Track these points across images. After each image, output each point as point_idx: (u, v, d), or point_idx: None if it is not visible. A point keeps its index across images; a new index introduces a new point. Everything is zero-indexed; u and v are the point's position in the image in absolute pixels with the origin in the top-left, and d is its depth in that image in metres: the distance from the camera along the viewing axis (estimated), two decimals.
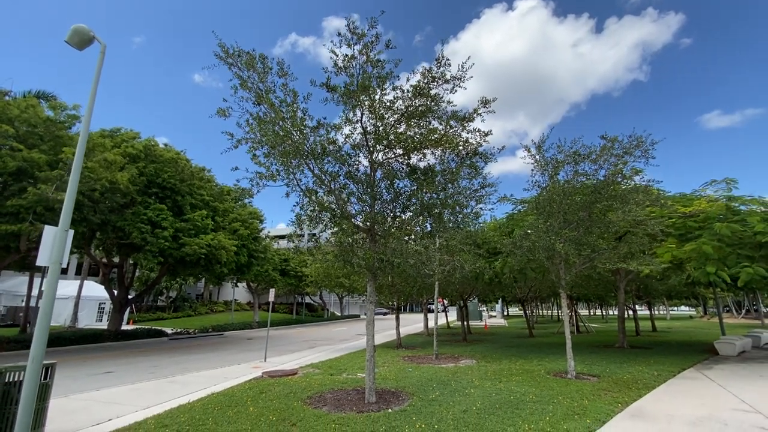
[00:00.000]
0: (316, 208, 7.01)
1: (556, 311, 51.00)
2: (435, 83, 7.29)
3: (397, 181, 7.59)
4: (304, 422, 5.71)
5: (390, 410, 6.34)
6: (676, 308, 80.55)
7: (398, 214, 7.47)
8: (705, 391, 7.79)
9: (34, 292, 21.22)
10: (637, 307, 33.95)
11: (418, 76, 7.28)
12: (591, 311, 66.60)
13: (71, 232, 4.78)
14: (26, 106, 13.70)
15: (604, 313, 57.82)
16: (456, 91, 7.44)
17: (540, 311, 60.21)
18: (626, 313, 29.10)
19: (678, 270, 12.75)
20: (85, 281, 26.72)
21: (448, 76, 7.27)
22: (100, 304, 29.03)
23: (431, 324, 22.27)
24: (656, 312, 65.72)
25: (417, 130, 7.23)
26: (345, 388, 8.10)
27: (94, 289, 28.43)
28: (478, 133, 7.37)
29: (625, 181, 9.67)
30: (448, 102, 7.49)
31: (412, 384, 8.47)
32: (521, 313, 37.36)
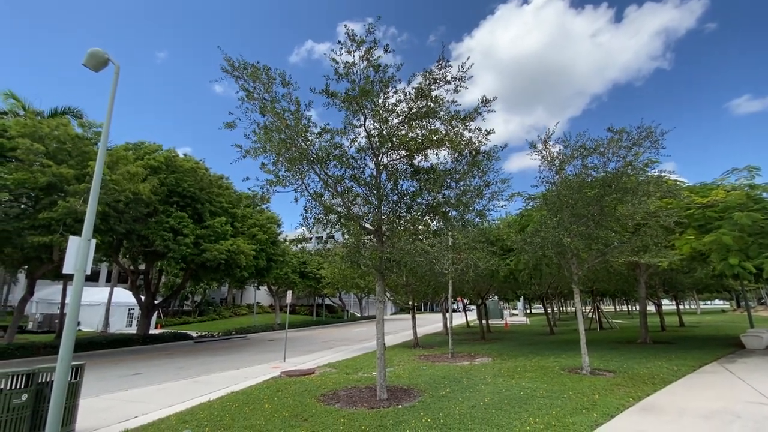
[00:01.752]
0: (322, 210, 7.24)
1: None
2: (436, 84, 7.41)
3: (402, 181, 7.74)
4: (315, 417, 5.94)
5: (400, 406, 6.49)
6: (709, 302, 77.45)
7: (403, 214, 7.62)
8: (723, 385, 7.61)
9: (68, 299, 22.34)
10: (664, 301, 32.88)
11: (419, 78, 7.44)
12: (617, 307, 64.76)
13: (93, 242, 5.14)
14: (57, 124, 14.55)
15: (629, 309, 56.14)
16: (459, 91, 7.53)
17: (564, 308, 59.02)
18: (654, 307, 28.34)
19: (703, 262, 12.39)
20: (115, 288, 27.94)
21: (449, 77, 7.38)
22: (129, 310, 30.27)
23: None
24: (687, 306, 63.44)
25: (419, 131, 7.36)
26: (359, 386, 8.30)
27: (124, 296, 29.68)
28: (480, 132, 7.45)
29: (636, 172, 9.51)
30: (452, 101, 7.59)
31: (424, 381, 8.59)
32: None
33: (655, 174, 10.07)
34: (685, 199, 11.58)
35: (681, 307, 37.04)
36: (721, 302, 72.40)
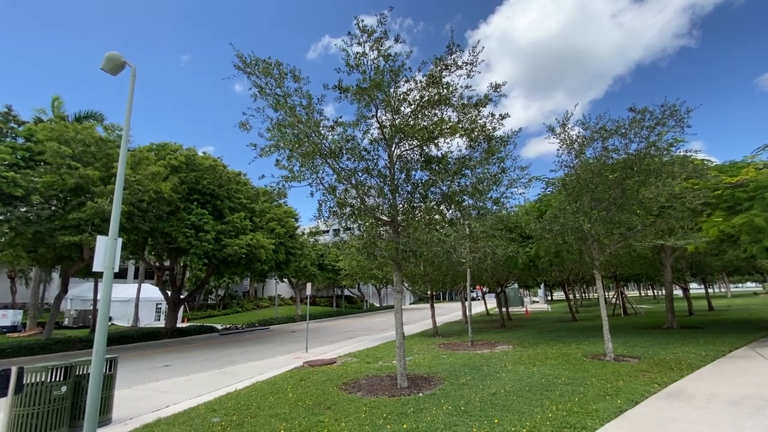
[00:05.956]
0: (337, 204, 7.30)
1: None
2: (447, 70, 7.31)
3: (415, 172, 7.71)
4: (338, 405, 6.07)
5: (420, 394, 6.57)
6: (740, 285, 74.79)
7: (417, 204, 7.60)
8: (754, 370, 7.38)
9: (100, 296, 23.31)
10: (692, 285, 31.88)
11: (431, 66, 7.34)
12: (642, 292, 63.26)
13: (120, 240, 5.34)
14: (82, 128, 15.06)
15: (655, 294, 54.75)
16: (472, 76, 7.40)
17: (586, 294, 58.07)
18: (681, 291, 27.54)
19: (733, 244, 11.91)
20: (143, 284, 28.98)
21: (460, 63, 7.26)
22: (157, 305, 31.36)
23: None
24: (716, 290, 61.40)
25: (431, 120, 7.30)
26: (379, 374, 8.42)
27: (151, 291, 30.75)
28: (493, 117, 7.33)
29: (660, 153, 9.18)
30: (466, 86, 7.47)
31: (444, 370, 8.65)
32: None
33: (681, 154, 9.72)
34: (713, 180, 11.13)
35: (710, 290, 35.87)
36: (753, 285, 69.75)
